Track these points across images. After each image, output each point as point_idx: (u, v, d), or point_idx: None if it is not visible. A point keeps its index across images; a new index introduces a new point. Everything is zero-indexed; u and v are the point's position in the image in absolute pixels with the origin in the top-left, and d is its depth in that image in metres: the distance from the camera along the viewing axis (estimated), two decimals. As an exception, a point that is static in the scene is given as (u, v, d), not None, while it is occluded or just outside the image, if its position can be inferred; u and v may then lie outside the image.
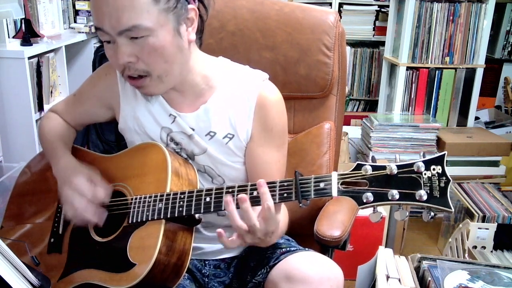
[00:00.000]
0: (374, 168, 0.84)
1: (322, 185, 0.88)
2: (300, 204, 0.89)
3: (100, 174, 1.13)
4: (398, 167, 0.82)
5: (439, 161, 0.81)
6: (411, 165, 0.82)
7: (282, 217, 1.05)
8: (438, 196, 0.80)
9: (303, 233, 1.23)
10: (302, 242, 1.19)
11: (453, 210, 0.81)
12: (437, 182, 0.81)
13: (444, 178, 0.81)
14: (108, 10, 0.91)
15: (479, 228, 1.95)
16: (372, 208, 0.86)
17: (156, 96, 1.09)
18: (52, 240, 1.14)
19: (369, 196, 0.83)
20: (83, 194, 1.05)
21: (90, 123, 1.31)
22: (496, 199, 2.15)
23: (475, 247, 1.96)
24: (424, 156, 0.83)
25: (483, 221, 2.01)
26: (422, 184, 0.81)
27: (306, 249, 1.10)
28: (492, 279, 1.11)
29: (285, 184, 0.91)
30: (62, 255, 1.11)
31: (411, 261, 1.19)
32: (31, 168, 1.29)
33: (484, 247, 1.96)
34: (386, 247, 1.45)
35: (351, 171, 0.86)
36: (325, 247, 1.14)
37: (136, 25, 0.91)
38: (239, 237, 0.93)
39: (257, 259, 1.11)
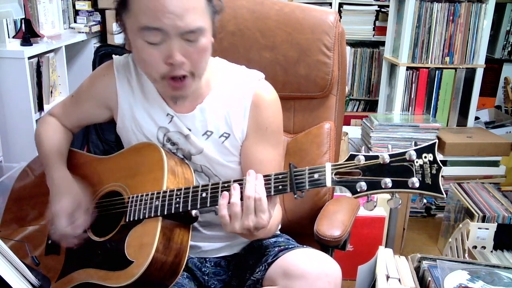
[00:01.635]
0: (367, 158, 0.85)
1: (316, 176, 0.89)
2: (295, 196, 0.90)
3: (96, 175, 1.14)
4: (391, 156, 0.84)
5: (430, 149, 0.83)
6: (403, 153, 0.83)
7: (276, 214, 1.05)
8: (430, 183, 0.82)
9: (303, 233, 1.23)
10: (302, 242, 1.19)
11: (445, 195, 0.83)
12: (428, 169, 0.82)
13: (435, 165, 0.82)
14: (175, 10, 0.90)
15: (479, 228, 1.95)
16: (366, 198, 0.88)
17: (151, 85, 1.09)
18: (49, 241, 1.15)
19: (363, 185, 0.85)
20: (61, 227, 1.07)
21: (89, 124, 1.31)
22: (496, 199, 2.15)
23: (475, 247, 1.96)
24: (416, 145, 0.84)
25: (483, 221, 2.01)
26: (414, 172, 0.83)
27: (304, 246, 1.10)
28: (492, 279, 1.11)
29: (280, 176, 0.92)
30: (60, 256, 1.12)
31: (411, 261, 1.19)
32: (29, 171, 1.29)
33: (484, 247, 1.96)
34: (386, 247, 1.45)
35: (344, 161, 0.87)
36: (325, 246, 1.14)
37: (200, 27, 0.94)
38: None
39: (256, 257, 1.11)
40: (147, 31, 0.93)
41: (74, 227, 1.07)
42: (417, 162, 0.83)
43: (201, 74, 1.02)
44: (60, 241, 1.09)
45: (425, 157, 0.83)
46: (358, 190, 0.85)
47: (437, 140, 0.86)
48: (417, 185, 0.82)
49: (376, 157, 0.85)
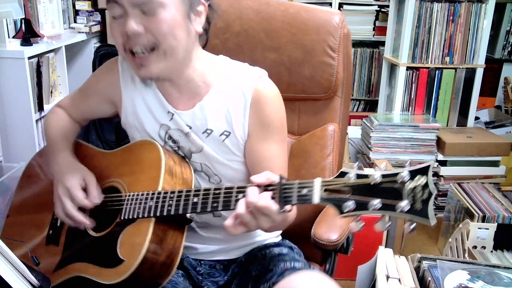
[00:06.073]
0: (358, 176, 0.81)
1: (304, 191, 0.85)
2: (281, 210, 0.86)
3: (98, 170, 1.14)
4: (383, 176, 0.79)
5: (424, 171, 0.77)
6: (395, 175, 0.78)
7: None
8: (419, 208, 0.76)
9: (305, 235, 1.23)
10: (304, 245, 1.18)
11: (432, 224, 0.77)
12: (420, 194, 0.77)
13: (427, 190, 0.77)
14: None
15: (479, 228, 1.95)
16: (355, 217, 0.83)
17: (150, 82, 1.09)
18: (50, 232, 1.16)
19: (351, 204, 0.80)
20: (74, 200, 1.07)
21: (94, 118, 1.32)
22: (496, 199, 2.15)
23: (475, 247, 1.97)
24: (410, 166, 0.79)
25: (483, 221, 2.01)
26: (405, 195, 0.77)
27: (311, 267, 1.09)
28: (492, 279, 1.12)
29: (269, 188, 0.89)
30: (59, 247, 1.13)
31: (411, 261, 1.20)
32: (37, 162, 1.32)
33: (484, 247, 1.97)
34: (386, 247, 1.45)
35: (335, 177, 0.84)
36: (323, 250, 1.13)
37: None
38: (241, 224, 0.91)
39: (259, 268, 1.10)
40: (109, 5, 0.98)
41: (91, 198, 1.08)
42: (408, 185, 0.77)
43: (168, 51, 0.99)
44: (75, 218, 1.07)
45: (418, 180, 0.77)
46: (345, 210, 0.81)
47: (432, 163, 0.79)
48: (406, 209, 0.76)
49: (367, 176, 0.80)
